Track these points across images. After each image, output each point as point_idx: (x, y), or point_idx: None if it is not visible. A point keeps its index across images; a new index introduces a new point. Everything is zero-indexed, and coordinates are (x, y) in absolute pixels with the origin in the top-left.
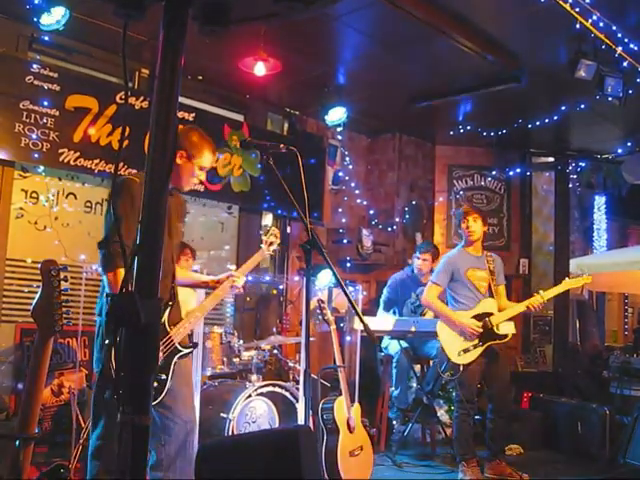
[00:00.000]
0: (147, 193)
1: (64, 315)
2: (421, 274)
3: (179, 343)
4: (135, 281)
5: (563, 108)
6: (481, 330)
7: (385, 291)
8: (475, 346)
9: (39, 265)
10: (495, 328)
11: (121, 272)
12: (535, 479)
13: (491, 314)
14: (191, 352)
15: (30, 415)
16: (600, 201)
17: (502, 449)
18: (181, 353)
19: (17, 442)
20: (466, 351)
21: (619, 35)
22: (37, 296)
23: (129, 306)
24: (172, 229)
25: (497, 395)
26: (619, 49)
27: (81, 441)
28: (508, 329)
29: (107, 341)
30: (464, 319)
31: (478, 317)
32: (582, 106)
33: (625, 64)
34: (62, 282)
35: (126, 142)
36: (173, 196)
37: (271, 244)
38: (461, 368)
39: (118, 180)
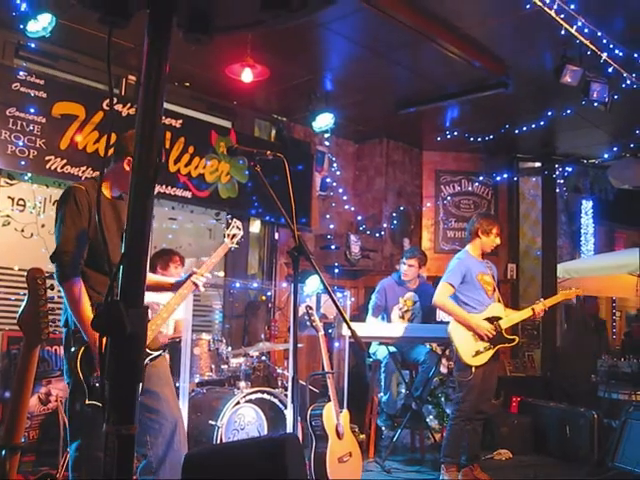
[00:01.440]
0: (132, 201)
1: (50, 323)
2: (408, 280)
3: (147, 346)
4: (120, 289)
5: (549, 113)
6: (494, 333)
7: (373, 297)
8: (486, 348)
9: (26, 273)
10: (503, 332)
11: (74, 283)
12: None
13: (500, 318)
14: (160, 355)
15: (16, 424)
16: (587, 205)
17: (477, 455)
18: (151, 356)
19: (3, 452)
20: (478, 353)
21: (604, 41)
22: (23, 304)
23: (115, 315)
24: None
25: (481, 397)
26: (604, 55)
27: (68, 450)
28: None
29: (73, 349)
30: (480, 321)
31: (488, 320)
32: (568, 111)
33: (610, 70)
34: (48, 290)
35: (112, 150)
36: (124, 200)
37: (234, 237)
38: (473, 370)
39: (64, 189)
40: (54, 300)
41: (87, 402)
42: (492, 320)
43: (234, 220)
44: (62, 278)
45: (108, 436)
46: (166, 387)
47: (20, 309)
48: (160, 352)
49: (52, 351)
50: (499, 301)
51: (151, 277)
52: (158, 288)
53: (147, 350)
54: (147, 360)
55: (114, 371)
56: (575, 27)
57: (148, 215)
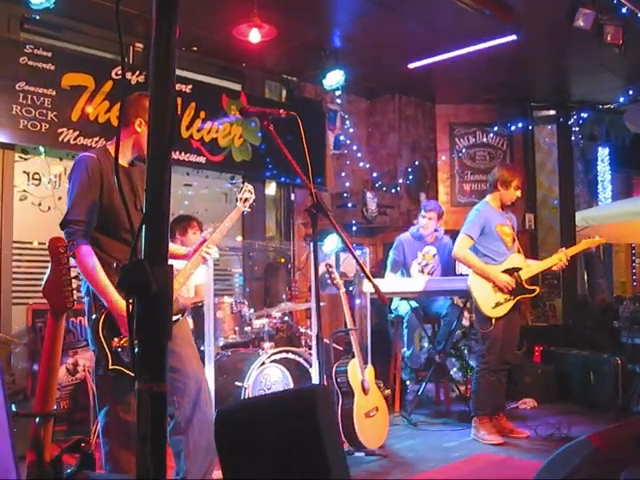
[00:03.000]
0: (149, 161)
1: (74, 292)
2: (426, 233)
3: None
4: (144, 248)
5: (562, 59)
6: (514, 285)
7: (391, 253)
8: (506, 300)
9: (47, 243)
10: (524, 283)
11: (83, 250)
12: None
13: (519, 269)
14: (180, 318)
15: (48, 392)
16: (603, 152)
17: (502, 404)
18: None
19: (37, 419)
20: (498, 304)
21: None
22: (46, 274)
23: (139, 274)
24: (139, 200)
25: (503, 347)
26: None
27: (98, 416)
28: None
29: (94, 316)
30: (499, 273)
31: (508, 272)
32: (582, 56)
33: (624, 10)
34: (70, 259)
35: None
36: (136, 167)
37: (246, 200)
38: (493, 321)
39: (76, 158)
40: (75, 268)
41: (110, 367)
42: (512, 271)
43: (245, 184)
44: (70, 246)
45: (140, 395)
46: (189, 348)
47: (44, 279)
48: (179, 316)
49: (77, 322)
50: (519, 252)
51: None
52: (173, 257)
53: None
54: None
55: (142, 330)
56: None
57: (166, 174)
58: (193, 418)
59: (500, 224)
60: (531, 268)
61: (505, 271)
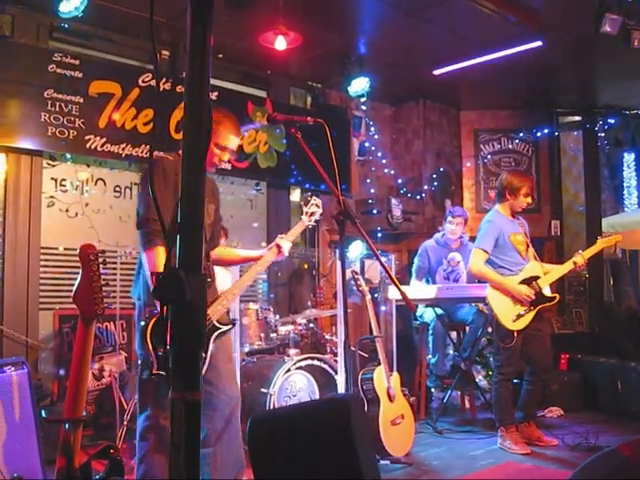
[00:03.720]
0: (185, 170)
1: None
2: (452, 240)
3: (217, 321)
4: (179, 258)
5: (588, 65)
6: (534, 295)
7: (416, 260)
8: (527, 311)
9: (78, 249)
10: (543, 292)
11: (160, 250)
12: (564, 443)
13: (537, 277)
14: (230, 329)
15: (78, 398)
16: (629, 158)
17: (534, 413)
18: (220, 330)
19: (67, 425)
20: (519, 316)
21: None
22: (77, 281)
23: (175, 283)
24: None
25: (538, 358)
26: None
27: (125, 423)
28: (549, 291)
29: (142, 323)
30: (518, 286)
31: (526, 282)
32: (608, 62)
33: None
34: (100, 266)
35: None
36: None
37: (312, 214)
38: (515, 334)
39: (151, 159)
40: (106, 275)
41: (154, 372)
42: (530, 281)
43: (313, 197)
44: (147, 245)
45: (174, 403)
46: (229, 364)
47: (75, 286)
48: (229, 326)
49: (103, 327)
50: (535, 258)
51: (238, 253)
52: (248, 260)
53: (216, 324)
54: (214, 335)
55: (177, 338)
56: None
57: (201, 184)
58: (224, 434)
59: (513, 233)
60: (550, 276)
61: (523, 281)
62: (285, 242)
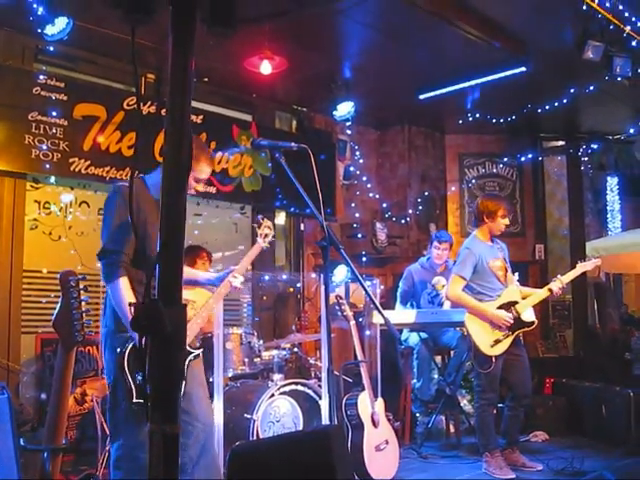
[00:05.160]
0: (164, 198)
1: (85, 325)
2: (437, 265)
3: (188, 345)
4: (158, 288)
5: (572, 91)
6: (512, 320)
7: (401, 284)
8: (505, 336)
9: (58, 275)
10: (522, 316)
11: (122, 282)
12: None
13: (516, 302)
14: (199, 354)
15: (57, 426)
16: (612, 182)
17: (517, 438)
18: (192, 354)
19: (45, 454)
20: (497, 342)
21: (626, 14)
22: (57, 307)
23: (153, 314)
24: None
25: (518, 383)
26: (627, 28)
27: (107, 448)
28: (530, 316)
29: (118, 349)
30: (496, 311)
31: (504, 307)
32: (591, 87)
33: (634, 43)
34: (82, 292)
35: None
36: None
37: (266, 236)
38: (494, 360)
39: (110, 188)
40: (87, 301)
41: (134, 401)
42: (508, 306)
43: (265, 220)
44: (109, 277)
45: (153, 435)
46: (200, 388)
47: (54, 312)
48: (200, 350)
49: (85, 351)
50: (513, 283)
51: (197, 274)
52: (190, 283)
53: (188, 348)
54: (187, 360)
55: (156, 370)
56: (596, 1)
57: (182, 213)
58: (200, 461)
59: (492, 259)
60: (528, 300)
61: (501, 306)
62: (236, 280)
